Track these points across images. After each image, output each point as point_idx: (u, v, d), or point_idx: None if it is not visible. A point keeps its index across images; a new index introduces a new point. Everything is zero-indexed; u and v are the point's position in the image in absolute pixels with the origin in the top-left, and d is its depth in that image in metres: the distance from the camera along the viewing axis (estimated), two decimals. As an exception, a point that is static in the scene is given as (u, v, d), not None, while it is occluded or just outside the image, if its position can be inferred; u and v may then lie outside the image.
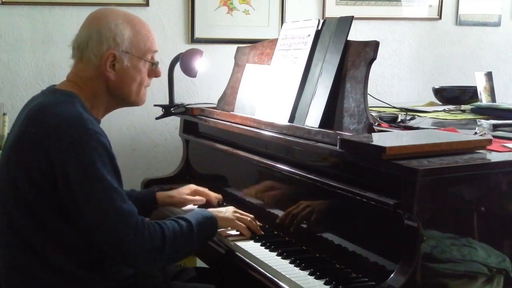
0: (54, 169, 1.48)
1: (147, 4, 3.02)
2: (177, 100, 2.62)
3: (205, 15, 3.13)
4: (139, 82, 1.69)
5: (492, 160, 1.52)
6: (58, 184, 1.49)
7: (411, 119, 2.17)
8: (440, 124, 2.16)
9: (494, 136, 1.79)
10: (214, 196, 2.16)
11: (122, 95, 1.69)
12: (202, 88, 3.15)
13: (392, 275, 1.37)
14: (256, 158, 1.98)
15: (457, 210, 1.44)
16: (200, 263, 2.19)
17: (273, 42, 2.18)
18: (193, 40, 3.12)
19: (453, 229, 1.43)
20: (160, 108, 2.55)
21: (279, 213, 1.89)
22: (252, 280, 1.64)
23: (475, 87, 2.75)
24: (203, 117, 2.40)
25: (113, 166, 1.54)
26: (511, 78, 3.94)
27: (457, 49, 3.77)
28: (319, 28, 1.97)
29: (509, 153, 1.61)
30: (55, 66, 2.86)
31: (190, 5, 3.10)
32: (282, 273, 1.56)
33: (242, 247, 1.76)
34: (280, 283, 1.54)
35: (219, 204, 2.15)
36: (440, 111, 2.60)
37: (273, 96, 2.04)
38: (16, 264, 1.55)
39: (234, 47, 2.52)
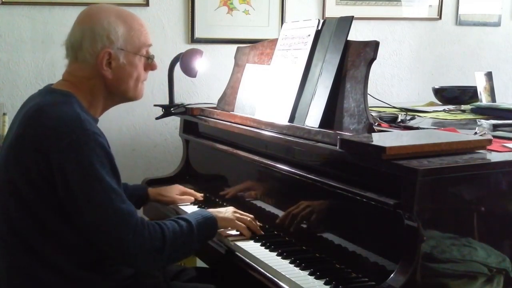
0: (53, 170, 1.48)
1: (147, 4, 3.02)
2: (177, 100, 2.62)
3: (205, 15, 3.13)
4: (136, 78, 1.69)
5: (492, 160, 1.52)
6: (57, 185, 1.48)
7: (411, 119, 2.17)
8: (440, 124, 2.16)
9: (494, 136, 1.79)
10: (199, 196, 2.26)
11: (120, 92, 1.68)
12: (202, 88, 3.15)
13: (392, 275, 1.37)
14: (256, 158, 1.98)
15: (457, 210, 1.44)
16: (200, 263, 2.19)
17: (273, 42, 2.18)
18: (193, 40, 3.12)
19: (453, 229, 1.43)
20: (160, 108, 2.55)
21: (279, 213, 1.89)
22: (252, 280, 1.64)
23: (475, 87, 2.75)
24: (203, 117, 2.40)
25: (112, 167, 1.53)
26: (511, 78, 3.94)
27: (457, 49, 3.77)
28: (319, 28, 1.97)
29: (509, 153, 1.61)
30: (55, 66, 2.86)
31: (190, 5, 3.11)
32: (282, 273, 1.56)
33: (242, 247, 1.76)
34: (280, 283, 1.54)
35: (219, 205, 2.15)
36: (440, 111, 2.60)
37: (273, 96, 2.04)
38: (16, 265, 1.55)
39: (234, 47, 2.52)
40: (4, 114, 2.68)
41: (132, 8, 2.92)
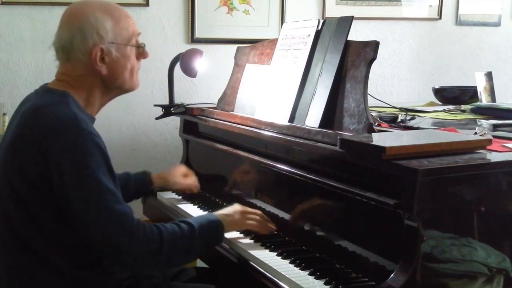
0: (50, 171, 1.47)
1: (147, 4, 3.02)
2: (177, 100, 2.62)
3: (205, 15, 3.13)
4: (131, 69, 1.68)
5: (492, 160, 1.52)
6: (54, 185, 1.48)
7: (411, 119, 2.17)
8: (440, 124, 2.16)
9: (494, 136, 1.79)
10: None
11: (117, 85, 1.67)
12: (202, 88, 3.15)
13: (392, 275, 1.37)
14: (256, 158, 1.98)
15: (457, 210, 1.44)
16: (200, 263, 2.19)
17: (273, 42, 2.18)
18: (193, 40, 3.13)
19: (453, 229, 1.43)
20: (160, 108, 2.55)
21: (279, 213, 1.89)
22: (252, 280, 1.64)
23: (475, 87, 2.75)
24: (203, 117, 2.40)
25: (108, 167, 1.52)
26: (511, 78, 3.95)
27: (457, 49, 3.77)
28: (319, 28, 1.97)
29: (509, 153, 1.61)
30: (55, 66, 2.86)
31: (190, 5, 3.11)
32: (282, 273, 1.56)
33: (242, 247, 1.75)
34: (280, 283, 1.54)
35: (219, 204, 2.15)
36: (440, 111, 2.60)
37: (273, 96, 2.04)
38: (15, 265, 1.55)
39: (234, 47, 2.52)
40: (4, 114, 2.68)
41: (132, 8, 2.92)
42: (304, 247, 1.74)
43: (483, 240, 1.46)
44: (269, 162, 1.91)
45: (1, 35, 2.87)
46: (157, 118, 2.58)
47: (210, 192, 2.31)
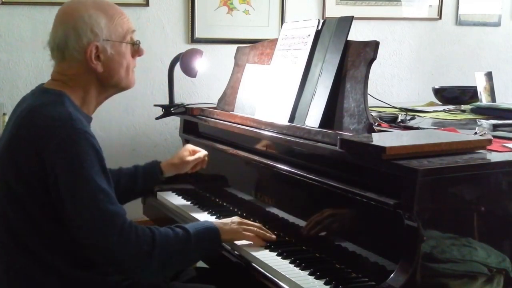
0: (45, 170, 1.47)
1: (147, 4, 3.02)
2: (177, 100, 2.62)
3: (205, 15, 3.13)
4: (126, 66, 1.67)
5: (492, 160, 1.52)
6: (49, 185, 1.48)
7: (411, 119, 2.17)
8: (440, 124, 2.16)
9: (494, 136, 1.79)
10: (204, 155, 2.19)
11: (113, 83, 1.66)
12: (202, 88, 3.15)
13: (392, 275, 1.37)
14: (256, 158, 1.98)
15: (457, 210, 1.44)
16: (200, 263, 2.19)
17: (273, 42, 2.18)
18: (193, 40, 3.13)
19: (453, 229, 1.43)
20: (160, 108, 2.55)
21: (279, 213, 1.89)
22: (252, 280, 1.64)
23: (475, 87, 2.75)
24: (203, 117, 2.39)
25: (102, 167, 1.51)
26: (511, 78, 3.95)
27: (457, 49, 3.77)
28: (319, 28, 1.97)
29: (509, 153, 1.61)
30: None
31: (190, 5, 3.11)
32: (282, 273, 1.56)
33: (242, 247, 1.75)
34: (280, 283, 1.54)
35: (219, 204, 2.15)
36: (440, 111, 2.60)
37: (273, 96, 2.04)
38: (14, 266, 1.55)
39: (234, 47, 2.52)
40: (4, 114, 2.68)
41: (132, 8, 2.92)
42: (304, 247, 1.74)
43: (483, 240, 1.46)
44: (269, 162, 1.91)
45: (1, 35, 2.87)
46: (157, 118, 2.58)
47: (210, 192, 2.31)
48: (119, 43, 1.64)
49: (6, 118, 2.65)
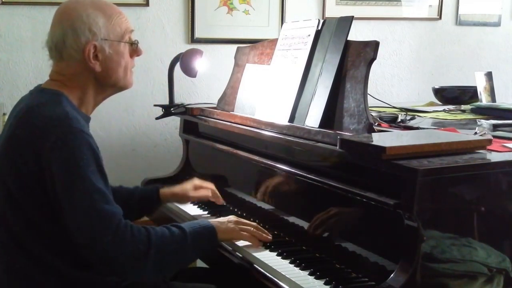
0: (42, 170, 1.47)
1: (147, 4, 3.02)
2: (177, 100, 2.62)
3: (205, 15, 3.13)
4: (125, 66, 1.66)
5: (492, 160, 1.52)
6: (47, 185, 1.47)
7: (411, 119, 2.17)
8: (440, 124, 2.16)
9: (494, 136, 1.79)
10: (217, 195, 2.09)
11: (111, 83, 1.66)
12: (202, 88, 3.15)
13: (392, 275, 1.37)
14: (256, 158, 1.98)
15: (457, 210, 1.44)
16: (200, 263, 2.19)
17: (273, 42, 2.18)
18: (193, 40, 3.12)
19: (453, 229, 1.43)
20: (160, 108, 2.55)
21: (279, 213, 1.89)
22: (252, 280, 1.64)
23: (475, 87, 2.75)
24: (203, 117, 2.39)
25: (98, 166, 1.50)
26: (511, 78, 3.94)
27: (457, 49, 3.77)
28: (319, 28, 1.97)
29: (509, 153, 1.61)
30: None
31: (190, 5, 3.11)
32: (282, 273, 1.56)
33: (242, 247, 1.75)
34: (280, 283, 1.54)
35: (220, 205, 2.15)
36: (440, 111, 2.60)
37: (273, 96, 2.04)
38: (13, 266, 1.55)
39: (234, 47, 2.52)
40: (4, 114, 2.68)
41: (132, 8, 2.92)
42: (304, 247, 1.74)
43: (483, 240, 1.46)
44: (269, 162, 1.91)
45: (1, 35, 2.87)
46: (157, 118, 2.58)
47: (210, 192, 2.31)
48: (117, 42, 1.63)
49: (6, 118, 2.65)
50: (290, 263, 1.62)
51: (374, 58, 1.73)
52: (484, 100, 2.70)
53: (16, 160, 1.50)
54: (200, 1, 3.11)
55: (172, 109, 2.52)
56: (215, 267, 1.98)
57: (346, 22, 1.87)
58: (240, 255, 1.73)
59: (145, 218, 2.43)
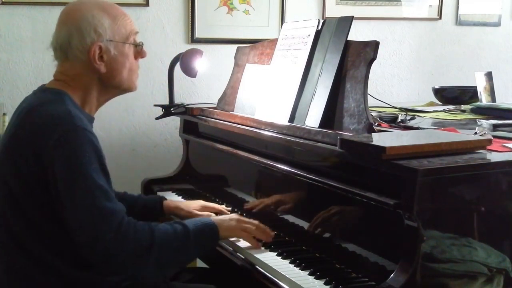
0: (44, 169, 1.47)
1: (147, 4, 3.02)
2: (177, 100, 2.62)
3: (205, 15, 3.13)
4: (129, 68, 1.67)
5: (492, 160, 1.52)
6: (49, 183, 1.47)
7: (411, 119, 2.17)
8: (440, 124, 2.16)
9: (494, 136, 1.79)
10: (226, 211, 2.05)
11: (115, 84, 1.66)
12: (202, 88, 3.15)
13: (392, 275, 1.37)
14: (256, 158, 1.98)
15: (457, 210, 1.44)
16: (200, 263, 2.19)
17: (273, 42, 2.18)
18: (193, 40, 3.12)
19: (453, 229, 1.43)
20: (160, 108, 2.55)
21: (279, 213, 1.89)
22: (252, 280, 1.64)
23: (475, 87, 2.75)
24: (203, 117, 2.40)
25: (101, 164, 1.50)
26: (511, 78, 3.94)
27: (457, 49, 3.77)
28: (319, 28, 1.97)
29: (509, 153, 1.61)
30: (55, 66, 2.86)
31: (190, 5, 3.11)
32: (282, 273, 1.56)
33: (242, 247, 1.75)
34: (280, 283, 1.54)
35: (219, 204, 2.15)
36: (440, 111, 2.60)
37: (273, 96, 2.04)
38: (13, 266, 1.55)
39: (234, 47, 2.52)
40: (4, 114, 2.68)
41: (132, 8, 2.91)
42: (304, 247, 1.74)
43: (483, 240, 1.46)
44: (269, 162, 1.91)
45: (1, 35, 2.87)
46: (157, 118, 2.58)
47: (210, 192, 2.31)
48: (122, 44, 1.64)
49: (6, 118, 2.65)
50: (290, 263, 1.62)
51: (374, 58, 1.74)
52: (484, 100, 2.70)
53: (17, 159, 1.50)
54: (200, 1, 3.11)
55: (172, 109, 2.52)
56: (215, 267, 1.98)
57: (346, 22, 1.87)
58: (240, 255, 1.73)
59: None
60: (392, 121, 2.11)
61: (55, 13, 2.85)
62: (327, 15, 3.34)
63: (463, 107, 2.71)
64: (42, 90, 1.64)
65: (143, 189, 2.51)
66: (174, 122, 2.99)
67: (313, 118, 1.83)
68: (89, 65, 1.60)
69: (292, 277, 1.53)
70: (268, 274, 1.60)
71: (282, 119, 1.93)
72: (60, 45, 1.61)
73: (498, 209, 1.51)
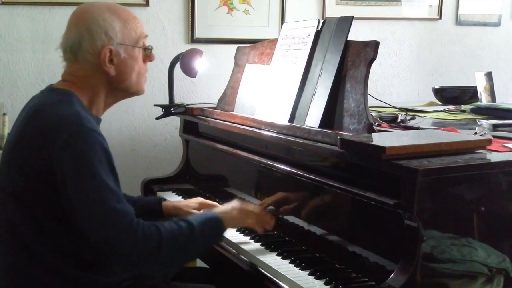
0: (52, 169, 1.47)
1: (147, 4, 3.02)
2: (177, 100, 2.62)
3: (205, 15, 3.13)
4: (138, 71, 1.67)
5: (492, 160, 1.52)
6: (56, 184, 1.47)
7: (411, 119, 2.17)
8: (440, 124, 2.16)
9: (494, 136, 1.79)
10: None
11: (123, 87, 1.67)
12: (202, 88, 3.15)
13: (392, 275, 1.37)
14: (256, 158, 1.98)
15: (457, 210, 1.44)
16: (200, 263, 2.19)
17: (273, 42, 2.18)
18: (193, 40, 3.12)
19: (453, 229, 1.43)
20: (160, 108, 2.55)
21: (279, 213, 1.89)
22: (252, 280, 1.64)
23: (475, 87, 2.75)
24: (203, 117, 2.40)
25: (110, 165, 1.51)
26: (511, 78, 3.94)
27: (457, 49, 3.77)
28: (319, 28, 1.97)
29: (509, 153, 1.61)
30: (55, 66, 2.83)
31: (190, 5, 3.11)
32: (282, 273, 1.56)
33: (242, 247, 1.75)
34: (280, 283, 1.54)
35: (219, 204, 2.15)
36: (440, 111, 2.60)
37: (273, 96, 2.04)
38: (15, 265, 1.55)
39: (234, 47, 2.52)
40: (4, 114, 2.68)
41: (132, 8, 2.90)
42: (304, 247, 1.74)
43: (483, 240, 1.46)
44: (269, 162, 1.91)
45: (1, 35, 2.87)
46: (157, 118, 2.59)
47: (210, 192, 2.31)
48: (132, 47, 1.64)
49: (6, 118, 2.65)
50: (290, 263, 1.62)
51: (374, 58, 1.74)
52: (484, 100, 2.70)
53: (24, 159, 1.51)
54: (200, 1, 3.11)
55: (172, 109, 2.52)
56: (215, 267, 1.98)
57: (346, 22, 1.87)
58: (240, 256, 1.73)
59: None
60: (392, 121, 2.11)
61: (55, 13, 2.89)
62: (327, 15, 3.35)
63: (463, 107, 2.71)
64: (50, 90, 1.64)
65: (143, 189, 2.51)
66: (174, 122, 2.99)
67: (313, 118, 1.83)
68: (99, 68, 1.61)
69: (292, 277, 1.53)
70: (268, 274, 1.60)
71: (282, 119, 1.93)
72: (70, 47, 1.61)
73: (498, 209, 1.51)
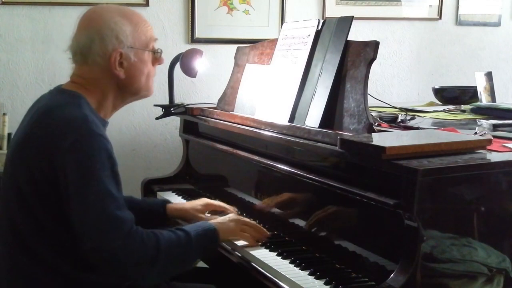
0: (56, 171, 1.47)
1: (147, 4, 3.02)
2: (177, 100, 2.62)
3: (205, 15, 3.13)
4: (147, 74, 1.68)
5: (492, 160, 1.52)
6: (58, 185, 1.47)
7: (411, 119, 2.17)
8: (440, 124, 2.16)
9: (494, 136, 1.79)
10: (231, 209, 2.04)
11: (133, 90, 1.68)
12: (202, 88, 3.15)
13: (392, 275, 1.37)
14: (256, 158, 1.98)
15: (457, 210, 1.44)
16: (200, 263, 2.19)
17: (273, 42, 2.18)
18: (193, 40, 3.12)
19: (453, 229, 1.43)
20: (160, 108, 2.55)
21: (279, 213, 1.89)
22: (252, 280, 1.64)
23: (475, 87, 2.75)
24: (203, 117, 2.40)
25: (113, 171, 1.51)
26: (511, 78, 3.94)
27: (457, 49, 3.77)
28: (319, 28, 1.97)
29: (509, 153, 1.61)
30: (55, 66, 2.86)
31: (190, 5, 3.11)
32: (282, 273, 1.56)
33: (242, 247, 1.75)
34: (280, 283, 1.54)
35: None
36: (440, 111, 2.60)
37: (273, 96, 2.04)
38: (16, 266, 1.54)
39: (234, 47, 2.52)
40: (4, 114, 2.68)
41: (132, 8, 2.91)
42: (304, 247, 1.74)
43: (483, 240, 1.46)
44: (269, 162, 1.91)
45: (1, 35, 2.87)
46: (157, 118, 2.59)
47: (210, 192, 2.31)
48: (142, 51, 1.65)
49: (6, 118, 2.65)
50: (290, 263, 1.62)
51: (374, 58, 1.74)
52: (484, 100, 2.70)
53: (29, 159, 1.51)
54: (200, 1, 3.11)
55: (172, 109, 2.52)
56: (215, 267, 1.98)
57: (346, 22, 1.87)
58: (240, 255, 1.73)
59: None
60: (392, 121, 2.11)
61: (55, 13, 2.89)
62: (327, 15, 3.35)
63: (463, 107, 2.71)
64: (59, 91, 1.64)
65: (143, 189, 2.51)
66: (174, 122, 2.99)
67: (313, 118, 1.83)
68: (108, 71, 1.61)
69: (292, 277, 1.53)
70: (268, 274, 1.60)
71: (282, 119, 1.93)
72: (80, 49, 1.61)
73: (498, 209, 1.51)
